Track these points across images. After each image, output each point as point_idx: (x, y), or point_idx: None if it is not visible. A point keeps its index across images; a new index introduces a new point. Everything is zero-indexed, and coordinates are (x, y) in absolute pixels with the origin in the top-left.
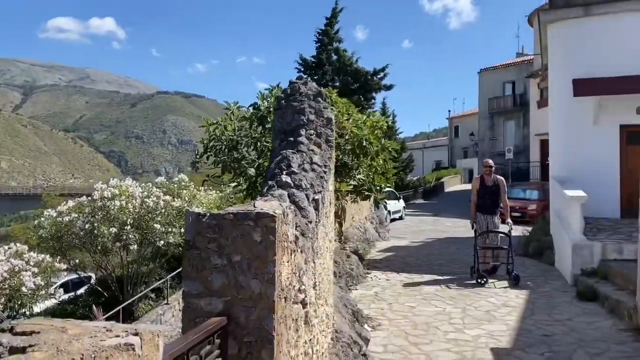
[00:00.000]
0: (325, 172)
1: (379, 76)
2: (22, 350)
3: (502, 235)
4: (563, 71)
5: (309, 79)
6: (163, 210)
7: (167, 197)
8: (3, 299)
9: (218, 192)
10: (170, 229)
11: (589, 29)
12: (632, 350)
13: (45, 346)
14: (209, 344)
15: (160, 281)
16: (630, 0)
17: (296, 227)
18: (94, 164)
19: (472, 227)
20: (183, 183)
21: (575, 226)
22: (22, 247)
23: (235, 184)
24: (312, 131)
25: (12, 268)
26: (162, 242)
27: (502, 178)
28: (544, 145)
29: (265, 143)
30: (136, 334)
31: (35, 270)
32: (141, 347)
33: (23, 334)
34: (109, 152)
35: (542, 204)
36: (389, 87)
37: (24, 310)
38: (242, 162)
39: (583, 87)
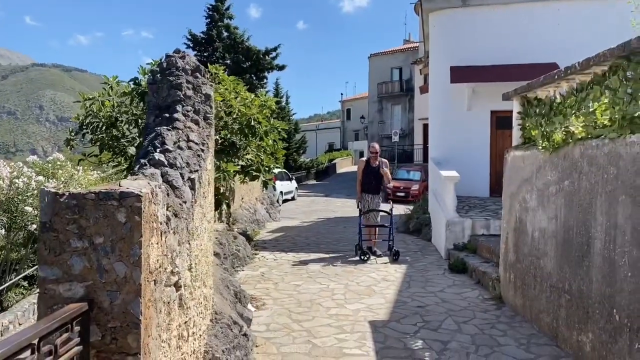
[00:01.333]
0: (202, 151)
1: (271, 55)
2: None
3: (383, 213)
4: (442, 58)
5: (196, 53)
6: (35, 192)
7: (41, 178)
8: None
9: (99, 172)
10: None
11: (466, 19)
12: (495, 317)
13: None
14: (66, 331)
15: (33, 268)
16: None
17: (168, 207)
18: None
19: (358, 206)
20: (59, 163)
21: (449, 204)
22: None
23: (114, 164)
24: (189, 107)
25: None
26: (34, 226)
27: (386, 160)
28: (426, 129)
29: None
30: None
31: None
32: None
33: None
34: None
35: (424, 185)
36: (281, 67)
37: None
38: (122, 141)
39: (459, 74)
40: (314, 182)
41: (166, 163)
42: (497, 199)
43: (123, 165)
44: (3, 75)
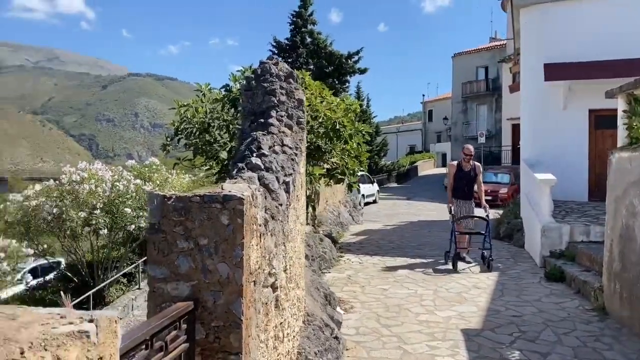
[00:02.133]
0: (296, 155)
1: (353, 59)
2: None
3: (478, 219)
4: (534, 56)
5: (281, 59)
6: (134, 194)
7: (138, 181)
8: None
9: (191, 175)
10: (141, 213)
11: (561, 14)
12: (598, 329)
13: None
14: (174, 329)
15: (132, 266)
16: None
17: (266, 210)
18: (63, 148)
19: (450, 212)
20: (154, 166)
21: (545, 209)
22: None
23: (207, 167)
24: (283, 113)
25: None
26: (133, 226)
27: (479, 164)
28: (516, 129)
29: (237, 126)
30: (91, 321)
31: (2, 255)
32: (97, 334)
33: None
34: (80, 135)
35: (513, 188)
36: (363, 71)
37: None
38: (214, 145)
39: (554, 71)
40: (395, 185)
41: (262, 167)
42: (597, 204)
43: (214, 169)
44: (103, 85)
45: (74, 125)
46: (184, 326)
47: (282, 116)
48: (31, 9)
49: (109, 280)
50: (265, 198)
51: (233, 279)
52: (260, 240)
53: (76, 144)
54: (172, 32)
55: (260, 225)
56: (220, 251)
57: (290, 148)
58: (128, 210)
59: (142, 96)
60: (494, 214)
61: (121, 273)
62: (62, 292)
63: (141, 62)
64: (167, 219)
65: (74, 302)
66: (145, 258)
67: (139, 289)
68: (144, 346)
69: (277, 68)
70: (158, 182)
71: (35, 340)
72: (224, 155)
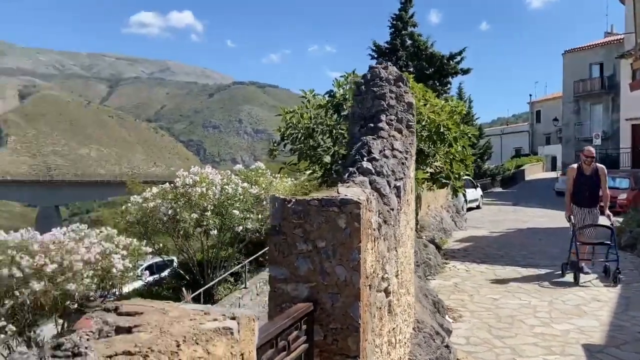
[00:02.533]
0: (406, 159)
1: (455, 60)
2: (128, 330)
3: (602, 228)
4: None
5: (390, 63)
6: (241, 197)
7: (245, 185)
8: (96, 279)
9: (293, 179)
10: (248, 215)
11: None
12: None
13: (149, 327)
14: (295, 329)
15: (239, 266)
16: None
17: (379, 214)
18: (174, 153)
19: (569, 221)
20: (260, 171)
21: None
22: (112, 231)
23: (310, 171)
24: (392, 116)
25: (104, 250)
26: (240, 227)
27: (603, 166)
28: (636, 130)
29: (340, 130)
30: (233, 318)
31: (124, 253)
32: (238, 331)
33: (127, 314)
34: (188, 141)
35: (634, 193)
36: (466, 71)
37: (114, 290)
38: (318, 150)
39: None
40: (499, 189)
41: (373, 171)
42: None
43: (318, 173)
44: (210, 93)
45: (183, 132)
46: (304, 327)
47: (391, 120)
48: (147, 24)
49: (217, 279)
50: (378, 202)
51: (350, 282)
52: (375, 245)
53: (185, 149)
54: (274, 41)
55: (374, 230)
56: (337, 254)
57: (400, 152)
58: (236, 212)
59: (246, 103)
60: (614, 221)
61: (229, 272)
62: (183, 289)
63: (245, 71)
64: (287, 221)
65: (184, 301)
66: (251, 258)
67: (245, 288)
68: (270, 345)
69: (386, 72)
70: (264, 185)
71: (187, 334)
72: (327, 159)
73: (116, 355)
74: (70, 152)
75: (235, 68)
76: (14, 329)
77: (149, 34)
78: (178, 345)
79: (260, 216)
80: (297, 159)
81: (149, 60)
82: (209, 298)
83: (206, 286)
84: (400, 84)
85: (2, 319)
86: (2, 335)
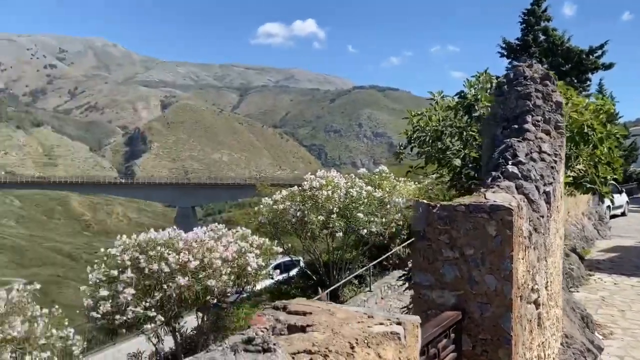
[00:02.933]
0: (555, 162)
1: (595, 54)
2: (301, 329)
3: None
4: None
5: (534, 61)
6: (366, 200)
7: (369, 188)
8: (233, 277)
9: (416, 183)
10: (372, 219)
11: None
12: None
13: (322, 327)
14: (445, 337)
15: (363, 269)
16: None
17: (529, 221)
18: (297, 157)
19: None
20: (384, 174)
21: None
22: (247, 231)
23: (437, 175)
24: (539, 117)
25: (240, 249)
26: (364, 230)
27: None
28: None
29: (470, 132)
30: (399, 323)
31: (257, 252)
32: (405, 336)
33: (296, 313)
34: (311, 145)
35: None
36: (608, 66)
37: (249, 287)
38: (447, 153)
39: None
40: None
41: (519, 175)
42: None
43: (445, 177)
44: (331, 99)
45: (306, 137)
46: (452, 335)
47: (538, 121)
48: (272, 34)
49: (343, 281)
50: (527, 209)
51: (501, 292)
52: (525, 254)
53: (308, 153)
54: (394, 44)
55: (525, 238)
56: (487, 262)
57: (549, 155)
58: (361, 215)
59: (366, 107)
60: None
61: (353, 275)
62: (320, 288)
63: (365, 75)
64: (432, 227)
65: (313, 300)
66: (375, 262)
67: (369, 291)
68: (421, 352)
69: (531, 70)
70: (387, 189)
71: (359, 336)
72: (457, 162)
73: (298, 353)
74: (204, 156)
75: (355, 73)
76: (162, 319)
77: (274, 44)
78: (352, 347)
79: (384, 219)
80: (424, 162)
81: (275, 69)
82: (335, 299)
83: (332, 287)
84: (547, 82)
85: (153, 309)
86: (153, 325)
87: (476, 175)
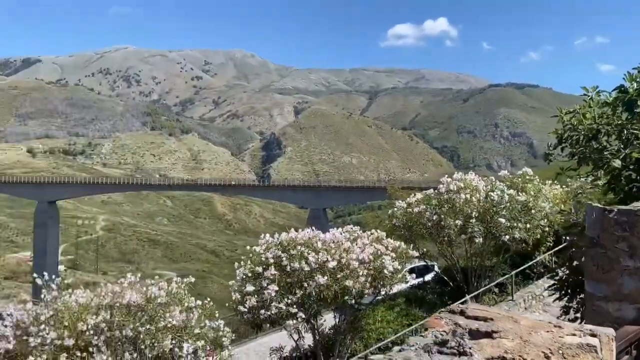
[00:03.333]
0: None
1: None
2: (486, 335)
3: None
4: None
5: None
6: (508, 205)
7: (511, 191)
8: (370, 278)
9: (563, 186)
10: (515, 224)
11: None
12: None
13: (510, 335)
14: (626, 354)
15: (505, 277)
16: None
17: None
18: (427, 159)
19: None
20: (527, 177)
21: None
22: (382, 234)
23: (591, 177)
24: None
25: (376, 252)
26: (506, 237)
27: None
28: None
29: (632, 130)
30: (594, 335)
31: (393, 255)
32: (601, 349)
33: (476, 318)
34: (442, 147)
35: None
36: None
37: (384, 289)
38: (605, 153)
39: None
40: None
41: None
42: None
43: (602, 180)
44: (464, 98)
45: (437, 138)
46: (634, 352)
47: None
48: (402, 35)
49: (483, 288)
50: None
51: None
52: None
53: (439, 156)
54: (533, 38)
55: None
56: None
57: None
58: (502, 220)
59: (502, 106)
60: None
61: (494, 283)
62: (467, 296)
63: (501, 73)
64: (608, 233)
65: (449, 307)
66: (518, 270)
67: (511, 300)
68: None
69: None
70: (532, 192)
71: (552, 346)
72: (616, 163)
73: (492, 359)
74: (334, 160)
75: (491, 70)
76: (303, 316)
77: (404, 45)
78: (547, 357)
79: (528, 225)
80: (577, 163)
81: (405, 70)
82: None
83: (471, 294)
84: None
85: (294, 306)
86: (294, 321)
87: (638, 177)
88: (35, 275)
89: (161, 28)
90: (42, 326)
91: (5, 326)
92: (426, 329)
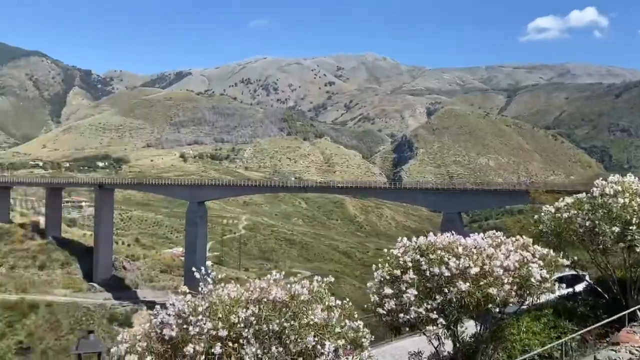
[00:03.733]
0: None
1: None
2: None
3: None
4: None
5: None
6: None
7: None
8: (515, 287)
9: None
10: None
11: None
12: None
13: None
14: None
15: None
16: None
17: None
18: (574, 160)
19: None
20: None
21: None
22: (528, 240)
23: None
24: None
25: (522, 259)
26: None
27: None
28: None
29: None
30: None
31: (541, 263)
32: None
33: None
34: (590, 147)
35: None
36: None
37: (530, 299)
38: None
39: None
40: None
41: None
42: None
43: None
44: (616, 93)
45: (584, 137)
46: None
47: None
48: (544, 29)
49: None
50: None
51: None
52: None
53: (587, 156)
54: None
55: None
56: None
57: None
58: None
59: None
60: None
61: None
62: (625, 310)
63: None
64: None
65: (605, 321)
66: None
67: None
68: None
69: None
70: None
71: None
72: None
73: None
74: (469, 161)
75: None
76: (444, 322)
77: (546, 38)
78: None
79: None
80: None
81: (548, 65)
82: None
83: (629, 310)
84: None
85: (434, 312)
86: (434, 327)
87: None
88: (193, 269)
89: (296, 37)
90: (200, 317)
91: (169, 315)
92: (617, 344)
